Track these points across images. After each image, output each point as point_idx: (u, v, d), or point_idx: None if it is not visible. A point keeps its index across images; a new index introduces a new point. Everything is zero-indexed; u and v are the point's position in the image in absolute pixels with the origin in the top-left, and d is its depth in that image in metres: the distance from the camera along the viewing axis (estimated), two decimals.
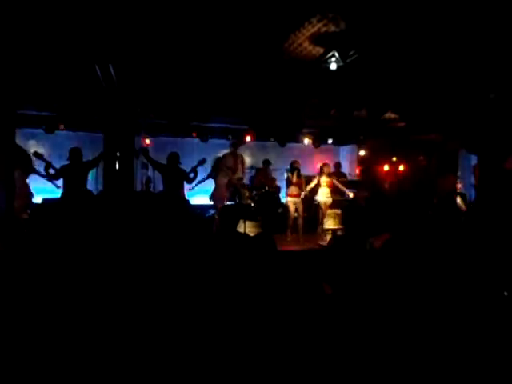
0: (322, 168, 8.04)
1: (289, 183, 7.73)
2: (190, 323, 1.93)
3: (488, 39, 4.61)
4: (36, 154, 6.40)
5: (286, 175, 7.95)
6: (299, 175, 7.66)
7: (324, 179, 7.95)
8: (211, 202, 7.86)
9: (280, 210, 8.79)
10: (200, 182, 7.72)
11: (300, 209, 7.69)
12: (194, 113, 7.76)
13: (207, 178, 7.93)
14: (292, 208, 7.60)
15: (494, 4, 3.83)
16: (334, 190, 8.19)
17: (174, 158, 7.00)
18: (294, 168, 7.65)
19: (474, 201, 7.00)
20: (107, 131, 6.75)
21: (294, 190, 7.63)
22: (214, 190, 7.81)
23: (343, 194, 8.35)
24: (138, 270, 2.19)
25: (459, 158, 8.88)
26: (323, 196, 8.01)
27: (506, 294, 2.49)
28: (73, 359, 1.68)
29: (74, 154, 6.43)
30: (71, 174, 6.38)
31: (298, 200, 7.64)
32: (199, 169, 7.30)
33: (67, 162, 6.48)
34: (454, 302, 2.31)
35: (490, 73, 5.60)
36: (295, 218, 7.66)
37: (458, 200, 7.38)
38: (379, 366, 1.90)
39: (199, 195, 8.53)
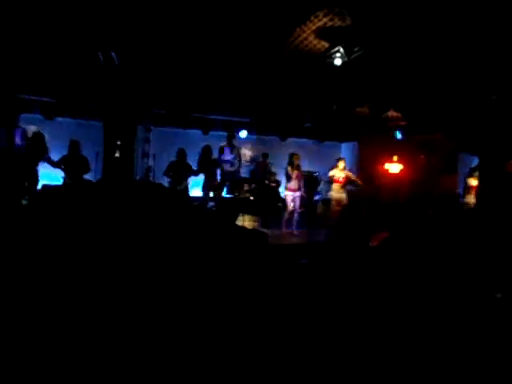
0: (337, 162, 7.83)
1: (288, 177, 7.63)
2: (184, 316, 1.93)
3: (492, 41, 4.59)
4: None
5: (285, 169, 7.88)
6: (298, 169, 7.57)
7: (338, 174, 7.73)
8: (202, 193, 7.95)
9: (279, 204, 8.78)
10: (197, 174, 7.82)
11: (297, 203, 7.65)
12: (196, 104, 7.73)
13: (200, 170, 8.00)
14: (290, 202, 7.56)
15: (496, 5, 3.81)
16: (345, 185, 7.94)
17: (183, 154, 7.49)
18: (292, 162, 7.53)
19: (475, 203, 7.00)
20: (108, 119, 6.76)
21: (293, 184, 7.53)
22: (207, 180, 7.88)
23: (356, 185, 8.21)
24: (137, 259, 2.19)
25: (459, 158, 8.89)
26: (336, 192, 7.78)
27: (499, 295, 2.50)
28: (70, 357, 1.68)
29: (73, 146, 6.79)
30: (70, 165, 6.79)
31: (296, 194, 7.58)
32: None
33: (66, 154, 6.77)
34: (448, 303, 2.33)
35: (492, 74, 5.58)
36: (292, 212, 7.62)
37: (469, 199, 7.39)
38: (374, 364, 1.91)
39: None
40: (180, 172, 7.45)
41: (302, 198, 7.69)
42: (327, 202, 8.33)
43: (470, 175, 7.60)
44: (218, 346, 1.86)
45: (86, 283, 1.90)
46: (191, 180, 7.79)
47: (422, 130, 8.33)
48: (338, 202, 7.70)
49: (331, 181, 7.83)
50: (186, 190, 7.51)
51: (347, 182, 7.91)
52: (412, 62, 5.48)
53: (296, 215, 7.63)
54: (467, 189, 7.65)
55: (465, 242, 2.64)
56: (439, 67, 5.53)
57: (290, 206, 7.55)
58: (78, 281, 1.90)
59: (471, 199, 7.38)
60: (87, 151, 7.19)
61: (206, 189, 7.92)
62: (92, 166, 7.22)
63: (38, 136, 6.67)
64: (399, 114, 7.84)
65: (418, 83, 6.30)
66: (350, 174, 7.87)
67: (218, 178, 8.17)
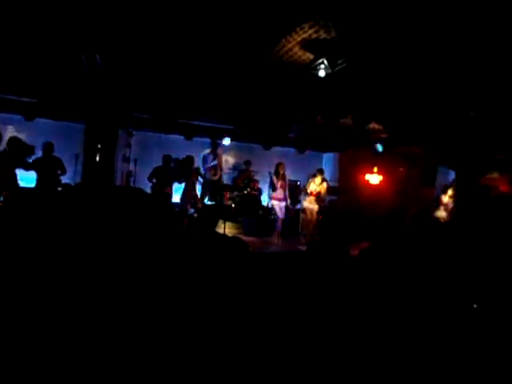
0: (315, 174, 8.00)
1: (273, 187, 7.74)
2: (163, 320, 1.90)
3: (472, 59, 4.73)
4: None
5: (270, 178, 7.95)
6: (283, 178, 7.69)
7: (314, 187, 7.89)
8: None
9: (260, 212, 8.79)
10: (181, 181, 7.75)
11: (283, 212, 7.78)
12: (181, 110, 7.70)
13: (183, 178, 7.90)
14: (278, 211, 7.69)
15: (478, 23, 3.94)
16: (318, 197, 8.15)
17: (168, 160, 7.58)
18: (277, 171, 7.68)
19: (452, 214, 7.20)
20: (90, 122, 6.67)
21: (279, 193, 7.69)
22: (186, 190, 7.75)
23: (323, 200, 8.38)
24: (113, 264, 2.15)
25: (438, 171, 9.10)
26: (310, 203, 7.95)
27: (475, 306, 2.55)
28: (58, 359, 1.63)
29: (47, 147, 6.65)
30: (44, 167, 6.64)
31: (282, 204, 7.72)
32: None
33: (40, 155, 6.64)
34: (425, 313, 2.35)
35: (472, 92, 5.76)
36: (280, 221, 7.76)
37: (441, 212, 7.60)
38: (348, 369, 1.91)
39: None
40: (164, 178, 7.41)
41: (286, 207, 7.80)
42: (304, 211, 8.47)
43: (444, 192, 7.84)
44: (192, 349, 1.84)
45: (54, 286, 1.85)
46: (174, 186, 7.73)
47: (402, 143, 8.50)
48: (310, 211, 7.92)
49: (307, 192, 8.01)
50: (169, 195, 7.45)
51: (321, 195, 8.11)
52: (394, 76, 5.61)
53: (280, 223, 7.73)
54: (438, 204, 7.89)
55: (441, 253, 2.68)
56: (421, 83, 5.67)
57: (279, 214, 7.68)
58: (45, 284, 1.85)
59: (441, 213, 7.64)
60: (67, 154, 7.06)
61: (184, 199, 7.76)
62: (71, 168, 7.07)
63: (15, 141, 6.47)
64: (380, 127, 7.99)
65: (400, 96, 6.44)
66: (323, 189, 8.03)
67: (199, 188, 8.08)
